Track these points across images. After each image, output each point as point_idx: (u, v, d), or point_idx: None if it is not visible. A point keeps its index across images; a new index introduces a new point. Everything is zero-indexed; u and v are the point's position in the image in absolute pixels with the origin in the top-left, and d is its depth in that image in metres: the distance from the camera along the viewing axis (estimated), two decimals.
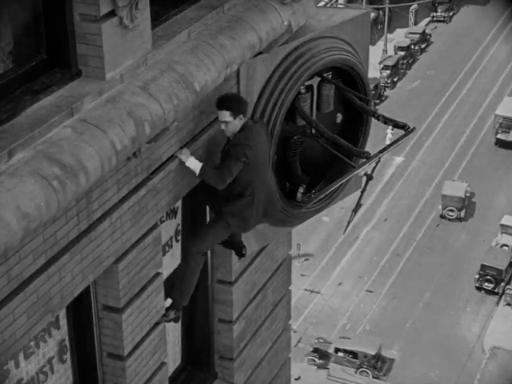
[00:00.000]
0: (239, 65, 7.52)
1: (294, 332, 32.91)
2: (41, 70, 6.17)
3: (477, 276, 38.00)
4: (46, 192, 5.43)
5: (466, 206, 42.55)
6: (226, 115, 7.41)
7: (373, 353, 33.78)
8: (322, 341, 34.78)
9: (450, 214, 42.35)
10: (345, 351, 34.15)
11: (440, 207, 42.53)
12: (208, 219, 8.52)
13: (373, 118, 9.26)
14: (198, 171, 7.31)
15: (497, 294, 37.93)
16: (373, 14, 53.70)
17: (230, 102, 7.44)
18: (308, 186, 9.01)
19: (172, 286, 7.84)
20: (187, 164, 7.32)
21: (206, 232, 7.82)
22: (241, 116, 7.46)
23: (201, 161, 7.39)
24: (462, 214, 42.33)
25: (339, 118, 9.41)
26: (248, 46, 7.44)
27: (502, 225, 40.65)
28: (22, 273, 5.85)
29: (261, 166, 7.70)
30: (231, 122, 7.43)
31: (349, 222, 10.36)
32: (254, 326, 9.62)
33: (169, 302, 7.89)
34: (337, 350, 34.19)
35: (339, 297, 37.76)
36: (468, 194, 42.87)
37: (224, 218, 7.68)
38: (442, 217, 42.48)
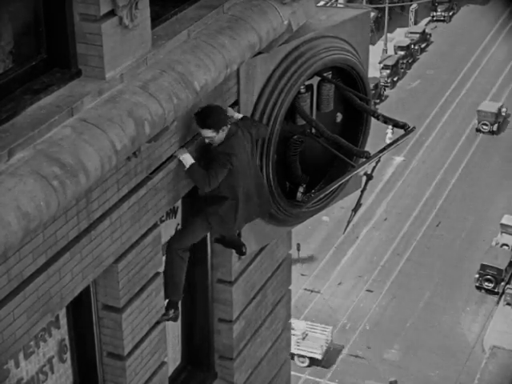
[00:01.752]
0: (239, 64, 7.52)
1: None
2: (41, 70, 6.17)
3: (477, 276, 37.98)
4: (46, 192, 5.43)
5: (498, 122, 47.73)
6: (208, 133, 7.42)
7: None
8: None
9: (484, 127, 47.91)
10: None
11: (476, 121, 48.07)
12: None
13: (373, 118, 9.26)
14: (187, 166, 7.34)
15: (497, 293, 37.91)
16: (372, 14, 53.73)
17: (210, 119, 7.36)
18: (308, 185, 9.01)
19: (164, 285, 7.85)
20: (180, 157, 7.34)
21: (187, 229, 7.90)
22: (223, 128, 7.45)
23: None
24: (495, 127, 47.61)
25: (339, 117, 9.41)
26: (248, 46, 7.44)
27: (501, 224, 40.64)
28: (21, 272, 5.85)
29: (244, 171, 7.74)
30: (215, 137, 7.45)
31: (349, 222, 10.36)
32: (254, 326, 9.62)
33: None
34: None
35: (339, 296, 37.76)
36: (503, 114, 48.27)
37: (206, 218, 7.74)
38: (478, 130, 48.09)
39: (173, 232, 8.31)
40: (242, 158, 7.63)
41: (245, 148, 7.69)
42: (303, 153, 8.93)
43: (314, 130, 8.92)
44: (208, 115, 7.36)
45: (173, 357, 9.00)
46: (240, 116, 7.89)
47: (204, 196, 7.70)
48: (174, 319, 7.97)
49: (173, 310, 7.87)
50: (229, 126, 7.50)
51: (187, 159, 7.35)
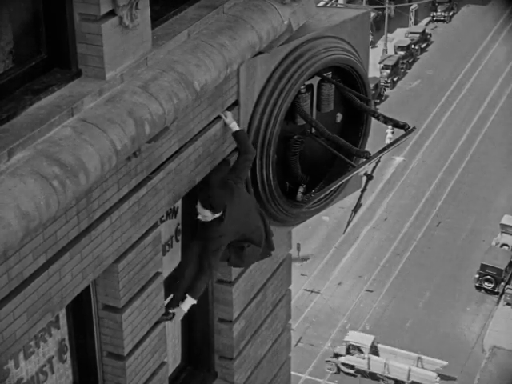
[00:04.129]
0: (239, 64, 7.52)
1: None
2: (41, 70, 6.17)
3: (477, 276, 38.00)
4: (46, 191, 5.43)
5: None
6: (206, 212, 7.56)
7: None
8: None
9: None
10: None
11: None
12: None
13: (373, 118, 9.26)
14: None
15: (497, 293, 37.94)
16: (373, 14, 53.76)
17: (214, 203, 7.53)
18: (308, 185, 9.01)
19: (173, 282, 7.94)
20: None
21: (215, 249, 7.98)
22: (220, 212, 7.58)
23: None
24: None
25: (339, 117, 9.41)
26: (248, 46, 7.44)
27: (501, 224, 40.66)
28: (22, 272, 5.85)
29: (247, 222, 7.94)
30: (211, 217, 7.59)
31: (349, 222, 10.37)
32: (254, 326, 9.62)
33: (167, 300, 7.93)
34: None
35: (339, 296, 37.77)
36: None
37: (229, 255, 8.04)
38: None
39: (173, 232, 8.32)
40: (238, 220, 7.77)
41: (240, 206, 7.79)
42: (303, 153, 8.93)
43: (313, 130, 8.92)
44: (212, 198, 7.55)
45: (173, 357, 9.00)
46: (236, 129, 7.88)
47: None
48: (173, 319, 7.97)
49: (172, 310, 7.87)
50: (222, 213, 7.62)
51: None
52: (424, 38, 58.87)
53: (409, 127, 8.85)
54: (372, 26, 51.30)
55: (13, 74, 5.97)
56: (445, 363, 33.59)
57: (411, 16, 61.14)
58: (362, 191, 9.58)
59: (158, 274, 7.51)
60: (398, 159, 46.23)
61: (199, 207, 7.57)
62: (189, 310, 8.86)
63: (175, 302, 7.93)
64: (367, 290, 38.15)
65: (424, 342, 35.09)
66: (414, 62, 57.06)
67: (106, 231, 6.62)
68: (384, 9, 57.06)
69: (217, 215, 7.57)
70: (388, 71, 53.39)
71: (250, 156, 7.92)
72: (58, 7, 6.09)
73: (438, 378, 33.56)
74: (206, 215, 7.58)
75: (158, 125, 6.42)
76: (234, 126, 7.88)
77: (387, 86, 53.27)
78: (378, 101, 51.14)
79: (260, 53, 7.98)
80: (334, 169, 9.30)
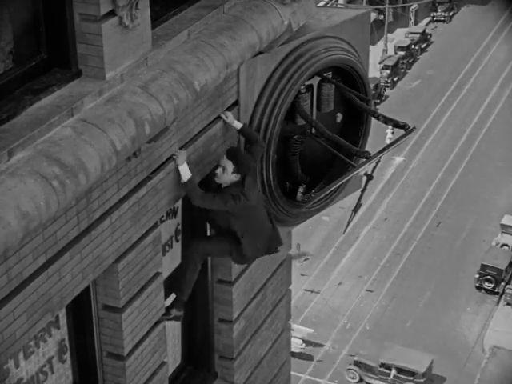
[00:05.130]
0: (239, 64, 7.52)
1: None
2: (41, 70, 6.18)
3: (477, 276, 37.98)
4: (46, 192, 5.43)
5: None
6: (229, 165, 7.53)
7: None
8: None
9: None
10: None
11: None
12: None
13: (373, 118, 9.26)
14: (185, 179, 7.31)
15: (497, 293, 37.91)
16: (373, 15, 53.77)
17: (241, 158, 7.57)
18: (308, 185, 9.02)
19: (174, 282, 7.93)
20: (179, 168, 7.30)
21: (216, 243, 8.03)
22: (239, 175, 7.57)
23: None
24: None
25: (339, 117, 9.41)
26: (248, 46, 7.45)
27: (502, 224, 40.64)
28: (21, 272, 5.85)
29: (254, 216, 7.87)
30: (228, 174, 7.56)
31: (349, 222, 10.37)
32: (254, 326, 9.62)
33: (169, 300, 7.92)
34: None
35: (339, 296, 37.76)
36: None
37: (231, 249, 7.91)
38: None
39: (173, 232, 8.32)
40: (250, 205, 7.71)
41: (253, 192, 7.76)
42: (303, 153, 8.93)
43: (314, 130, 8.93)
44: (241, 156, 7.64)
45: (173, 357, 9.00)
46: (240, 125, 7.88)
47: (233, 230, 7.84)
48: (177, 319, 7.97)
49: (174, 310, 7.88)
50: (239, 178, 7.60)
51: (185, 171, 7.31)
52: (424, 38, 58.86)
53: (409, 127, 8.86)
54: (372, 27, 51.31)
55: (13, 74, 5.97)
56: (310, 330, 34.69)
57: (411, 16, 61.14)
58: (362, 191, 9.59)
59: (157, 274, 7.51)
60: (398, 159, 46.22)
61: (223, 159, 7.56)
62: (189, 310, 8.88)
63: (178, 303, 7.93)
64: (367, 290, 38.14)
65: (424, 341, 35.08)
66: (414, 62, 57.04)
67: (106, 231, 6.63)
68: (381, 11, 57.04)
69: (235, 176, 7.55)
70: (388, 71, 53.37)
71: (263, 143, 8.08)
72: (58, 7, 6.10)
73: (304, 344, 34.38)
74: (227, 167, 7.53)
75: (158, 125, 6.43)
76: (237, 125, 7.88)
77: (387, 86, 53.26)
78: (378, 101, 51.13)
79: (260, 53, 7.98)
80: (334, 169, 9.31)
